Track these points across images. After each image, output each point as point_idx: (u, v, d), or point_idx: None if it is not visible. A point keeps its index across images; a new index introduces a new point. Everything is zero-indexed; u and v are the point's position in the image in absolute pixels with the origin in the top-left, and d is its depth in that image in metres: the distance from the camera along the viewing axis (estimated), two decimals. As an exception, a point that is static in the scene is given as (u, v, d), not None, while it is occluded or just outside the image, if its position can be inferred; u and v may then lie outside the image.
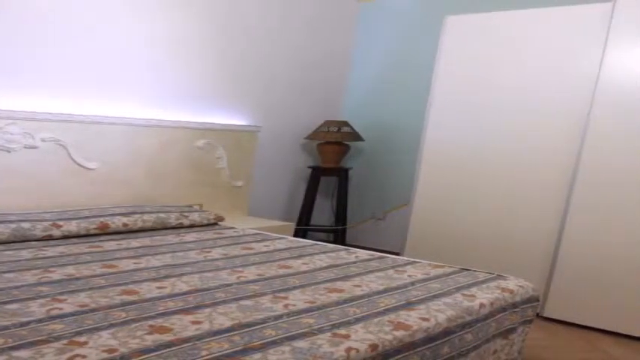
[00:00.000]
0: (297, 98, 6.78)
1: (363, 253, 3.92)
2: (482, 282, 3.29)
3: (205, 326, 2.26)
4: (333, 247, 4.15)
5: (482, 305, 2.90)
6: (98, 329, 2.17)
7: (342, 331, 2.30)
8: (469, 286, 3.19)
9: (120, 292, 2.67)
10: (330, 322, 2.40)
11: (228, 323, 2.31)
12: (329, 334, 2.26)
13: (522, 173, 5.37)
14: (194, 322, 2.30)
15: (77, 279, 2.88)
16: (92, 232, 3.99)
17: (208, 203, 5.63)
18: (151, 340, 2.08)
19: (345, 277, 3.23)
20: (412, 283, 3.17)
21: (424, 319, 2.54)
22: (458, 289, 3.10)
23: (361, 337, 2.25)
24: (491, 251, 5.47)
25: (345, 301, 2.74)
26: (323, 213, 7.38)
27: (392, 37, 7.14)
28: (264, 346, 2.09)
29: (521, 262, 5.27)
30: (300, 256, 3.73)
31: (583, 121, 4.98)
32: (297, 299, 2.72)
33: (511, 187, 5.42)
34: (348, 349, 2.11)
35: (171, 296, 2.67)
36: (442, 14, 5.97)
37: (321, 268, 3.42)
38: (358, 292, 2.93)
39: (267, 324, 2.34)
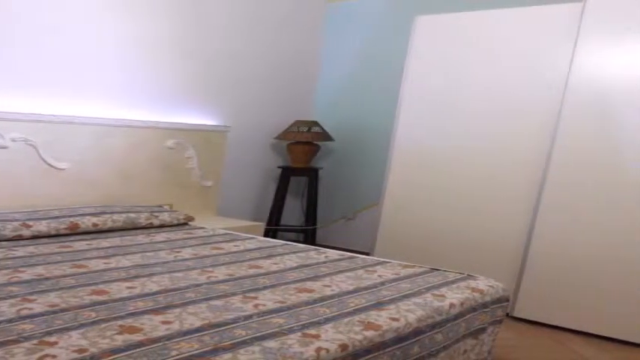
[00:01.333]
0: (267, 98, 6.78)
1: (333, 253, 3.93)
2: (453, 282, 3.31)
3: (175, 326, 2.26)
4: (303, 247, 4.16)
5: (452, 305, 2.92)
6: (68, 329, 2.16)
7: (312, 331, 2.30)
8: (439, 286, 3.21)
9: (90, 292, 2.67)
10: (300, 322, 2.41)
11: (198, 323, 2.31)
12: (299, 334, 2.27)
13: (493, 173, 5.41)
14: (164, 322, 2.30)
15: (47, 279, 2.88)
16: (62, 232, 3.99)
17: (178, 203, 5.62)
18: (121, 340, 2.08)
19: (315, 277, 3.24)
20: (382, 283, 3.19)
21: (394, 319, 2.55)
22: (428, 289, 3.11)
23: (331, 337, 2.26)
24: (462, 251, 5.49)
25: (315, 301, 2.75)
26: (293, 213, 7.38)
27: (362, 37, 7.15)
28: (234, 346, 2.09)
29: (492, 262, 5.29)
30: (270, 256, 3.73)
31: (553, 121, 5.01)
32: (267, 299, 2.73)
33: (481, 186, 5.45)
34: (318, 349, 2.12)
35: (141, 296, 2.66)
36: (412, 14, 5.99)
37: (290, 269, 3.43)
38: (328, 292, 2.94)
39: (237, 324, 2.34)
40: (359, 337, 2.30)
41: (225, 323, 2.34)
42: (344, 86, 7.26)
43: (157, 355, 1.97)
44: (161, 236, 4.21)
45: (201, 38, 5.89)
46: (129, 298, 2.62)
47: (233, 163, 6.42)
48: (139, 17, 5.30)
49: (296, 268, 3.46)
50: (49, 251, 3.51)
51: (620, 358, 4.39)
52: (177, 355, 1.98)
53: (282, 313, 2.52)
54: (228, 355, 2.01)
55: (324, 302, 2.75)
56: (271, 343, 2.15)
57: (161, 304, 2.55)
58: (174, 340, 2.11)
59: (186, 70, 5.80)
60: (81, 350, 1.97)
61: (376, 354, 2.33)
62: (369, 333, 2.36)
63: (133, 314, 2.39)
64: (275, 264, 3.53)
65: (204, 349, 2.04)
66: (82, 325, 2.21)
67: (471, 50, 5.55)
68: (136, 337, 2.11)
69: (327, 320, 2.46)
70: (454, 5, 5.92)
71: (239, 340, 2.16)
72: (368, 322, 2.47)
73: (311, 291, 2.93)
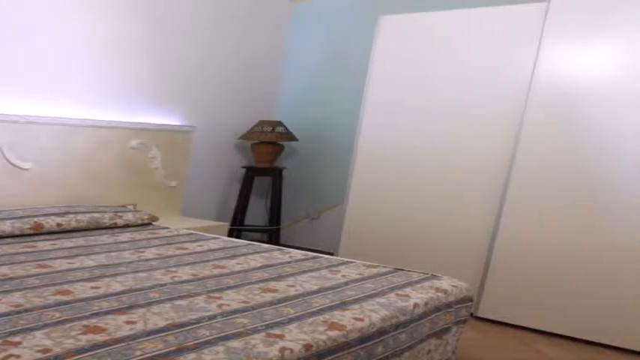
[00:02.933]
0: (231, 98, 6.78)
1: (297, 253, 3.93)
2: (417, 282, 3.33)
3: (139, 326, 2.27)
4: (267, 247, 4.16)
5: (416, 305, 2.94)
6: (32, 329, 2.16)
7: (276, 331, 2.31)
8: (403, 286, 3.22)
9: (54, 292, 2.67)
10: (264, 322, 2.41)
11: (162, 323, 2.32)
12: (263, 334, 2.28)
13: (457, 173, 5.41)
14: (128, 322, 2.30)
15: (11, 279, 2.87)
16: (26, 232, 3.98)
17: (142, 203, 5.61)
18: (85, 340, 2.09)
19: (279, 277, 3.25)
20: (346, 283, 3.20)
21: (358, 319, 2.57)
22: (392, 289, 3.12)
23: (295, 337, 2.27)
24: (426, 251, 5.50)
25: (279, 301, 2.76)
26: (257, 213, 7.38)
27: (326, 36, 7.15)
28: (198, 346, 2.10)
29: (456, 262, 5.31)
30: (234, 256, 3.74)
31: (517, 121, 5.03)
32: (231, 299, 2.74)
33: (446, 186, 5.46)
34: (282, 349, 2.13)
35: (105, 296, 2.66)
36: (376, 14, 5.99)
37: (254, 269, 3.44)
38: (292, 292, 2.95)
39: (202, 324, 2.35)
40: (323, 337, 2.31)
41: (189, 323, 2.34)
42: (308, 86, 7.26)
43: (120, 355, 1.97)
44: (125, 236, 4.20)
45: (165, 38, 5.88)
46: (93, 298, 2.62)
47: (197, 164, 6.41)
48: (103, 17, 5.29)
49: (260, 268, 3.46)
50: (13, 251, 3.50)
51: (584, 358, 4.42)
52: (142, 355, 1.99)
53: (246, 313, 2.53)
54: (192, 355, 2.01)
55: (288, 302, 2.76)
56: (235, 343, 2.16)
57: (125, 304, 2.55)
58: (138, 340, 2.12)
59: (149, 70, 5.79)
60: (45, 350, 1.97)
61: (340, 354, 2.35)
62: (333, 333, 2.37)
63: (97, 314, 2.39)
64: (239, 264, 3.53)
65: (168, 349, 2.05)
66: (46, 325, 2.21)
67: (435, 50, 5.56)
68: (100, 337, 2.12)
69: (291, 320, 2.47)
70: (419, 5, 5.93)
71: (203, 340, 2.17)
72: (332, 322, 2.48)
73: (275, 291, 2.94)
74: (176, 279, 3.07)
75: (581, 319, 4.74)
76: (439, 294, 3.19)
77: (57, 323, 2.24)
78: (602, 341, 4.67)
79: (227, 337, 2.21)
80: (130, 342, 2.09)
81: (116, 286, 2.86)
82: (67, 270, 3.12)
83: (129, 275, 3.09)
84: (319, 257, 3.87)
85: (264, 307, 2.65)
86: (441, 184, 5.49)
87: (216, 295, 2.81)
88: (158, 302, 2.62)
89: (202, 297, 2.75)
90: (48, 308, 2.42)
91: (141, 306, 2.54)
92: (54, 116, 4.91)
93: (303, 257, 3.83)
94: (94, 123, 5.17)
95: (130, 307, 2.51)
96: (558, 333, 4.83)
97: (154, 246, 3.92)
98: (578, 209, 4.79)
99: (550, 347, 4.58)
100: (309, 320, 2.49)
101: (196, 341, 2.15)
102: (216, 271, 3.30)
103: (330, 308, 2.70)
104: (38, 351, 1.96)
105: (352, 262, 3.77)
